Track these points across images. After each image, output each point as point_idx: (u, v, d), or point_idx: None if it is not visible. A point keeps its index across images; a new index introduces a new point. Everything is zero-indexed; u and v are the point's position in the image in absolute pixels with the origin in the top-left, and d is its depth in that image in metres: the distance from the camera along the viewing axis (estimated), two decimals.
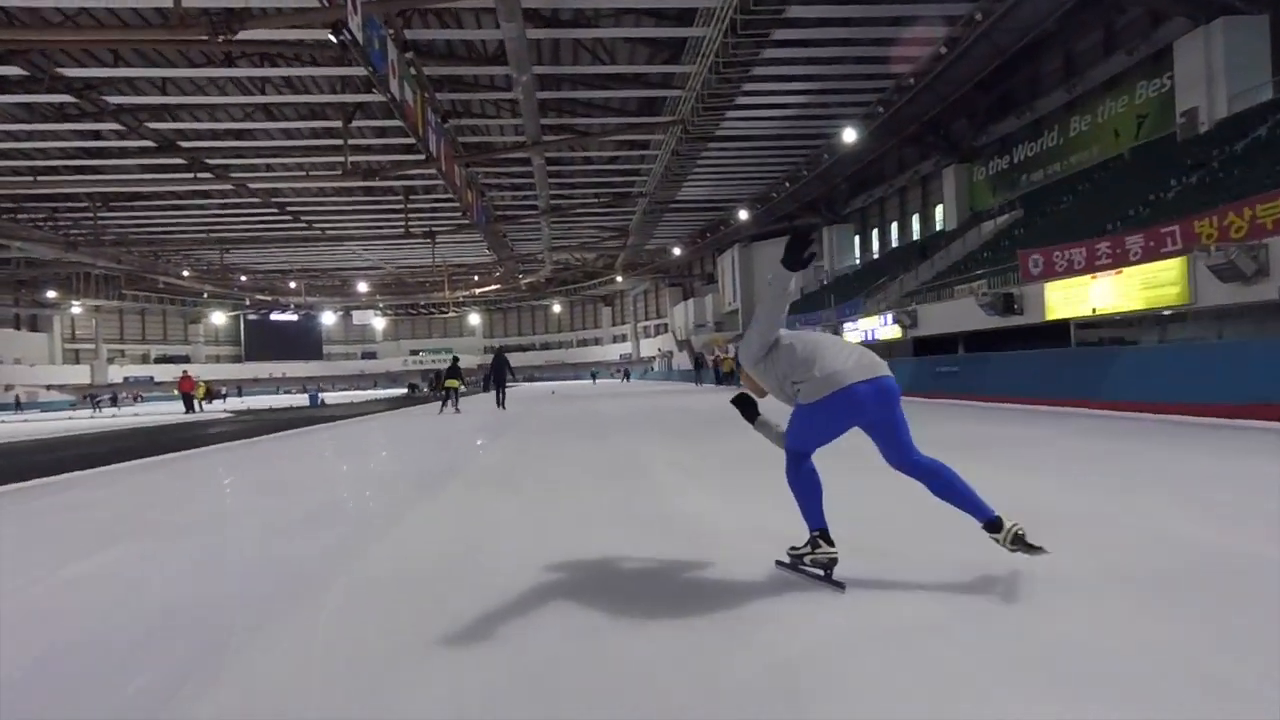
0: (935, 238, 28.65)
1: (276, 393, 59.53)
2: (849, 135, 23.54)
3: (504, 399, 16.79)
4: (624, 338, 70.14)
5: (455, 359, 18.15)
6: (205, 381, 28.85)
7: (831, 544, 2.39)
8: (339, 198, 37.52)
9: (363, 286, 62.14)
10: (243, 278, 53.02)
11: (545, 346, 76.46)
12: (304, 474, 6.24)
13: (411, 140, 26.39)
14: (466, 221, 37.28)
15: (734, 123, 26.17)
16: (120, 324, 60.65)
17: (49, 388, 48.52)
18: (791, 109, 24.53)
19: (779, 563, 2.63)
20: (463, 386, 17.61)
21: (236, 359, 68.82)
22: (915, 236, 33.71)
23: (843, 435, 2.45)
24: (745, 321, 43.51)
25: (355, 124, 26.12)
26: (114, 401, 33.69)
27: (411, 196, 36.41)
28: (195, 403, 22.28)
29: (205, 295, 57.39)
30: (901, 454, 2.38)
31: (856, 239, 38.64)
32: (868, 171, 34.37)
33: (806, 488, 2.47)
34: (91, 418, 22.51)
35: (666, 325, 60.51)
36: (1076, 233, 15.99)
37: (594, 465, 5.85)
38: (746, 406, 2.72)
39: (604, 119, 27.90)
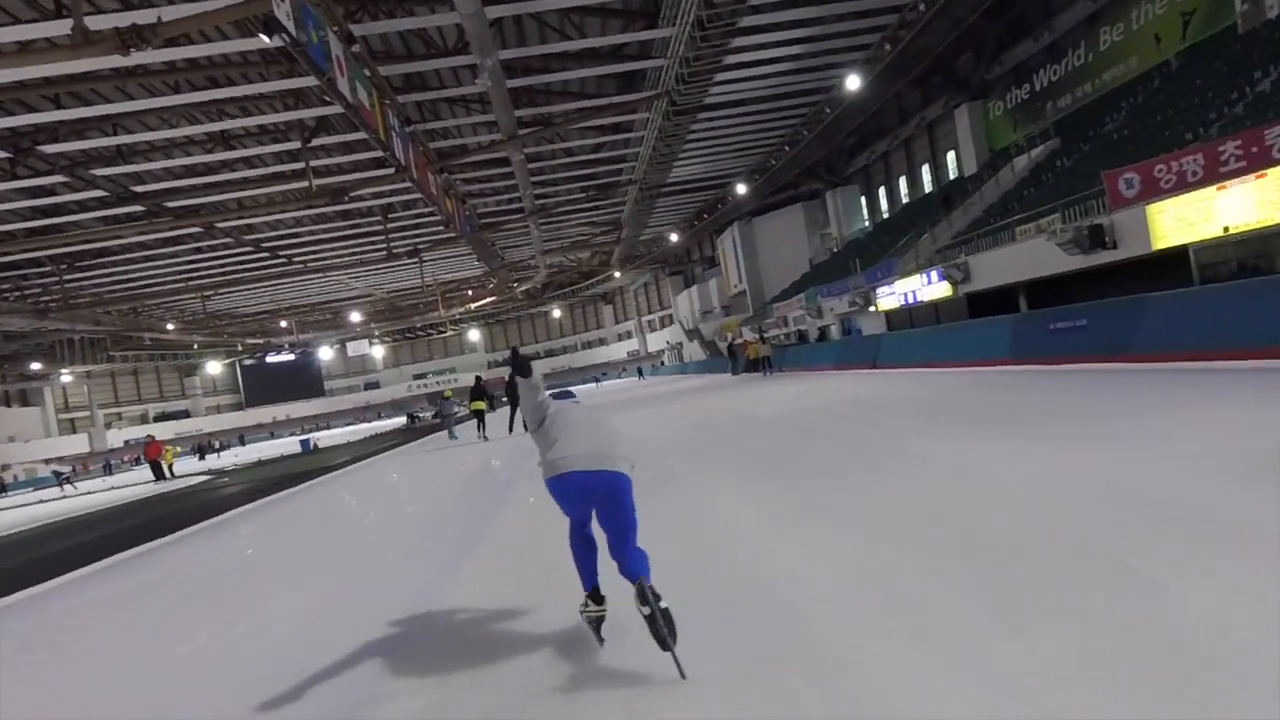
0: (956, 184, 26.46)
1: (271, 437, 57.79)
2: (852, 83, 21.39)
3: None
4: (629, 334, 68.13)
5: (479, 378, 16.29)
6: (181, 442, 27.01)
7: (600, 603, 2.57)
8: (315, 227, 35.61)
9: (355, 316, 60.23)
10: (230, 324, 51.17)
11: (550, 354, 74.51)
12: (175, 670, 3.32)
13: (379, 153, 24.44)
14: (451, 234, 35.34)
15: (723, 87, 24.09)
16: (114, 386, 58.99)
17: (47, 462, 46.85)
18: (785, 63, 22.42)
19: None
20: (489, 409, 15.68)
21: (238, 407, 67.14)
22: (929, 188, 31.54)
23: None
24: (754, 303, 41.44)
25: (317, 142, 24.16)
26: (108, 470, 31.77)
27: (390, 215, 34.44)
28: (165, 469, 20.55)
29: (195, 346, 55.64)
30: (619, 546, 2.44)
31: (863, 200, 36.44)
32: (868, 126, 32.16)
33: (576, 552, 2.61)
34: (63, 496, 20.68)
35: (672, 316, 58.45)
36: (1137, 152, 13.87)
37: (691, 589, 2.92)
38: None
39: (581, 103, 25.84)
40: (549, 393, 2.87)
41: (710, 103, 25.43)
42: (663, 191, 37.00)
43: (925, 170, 31.80)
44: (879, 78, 21.94)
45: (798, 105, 26.32)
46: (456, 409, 16.70)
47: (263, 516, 8.22)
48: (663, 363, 57.16)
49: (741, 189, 32.47)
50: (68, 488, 27.21)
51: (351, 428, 49.88)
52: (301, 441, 23.82)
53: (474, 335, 76.17)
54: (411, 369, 76.68)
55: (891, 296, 20.41)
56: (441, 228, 36.09)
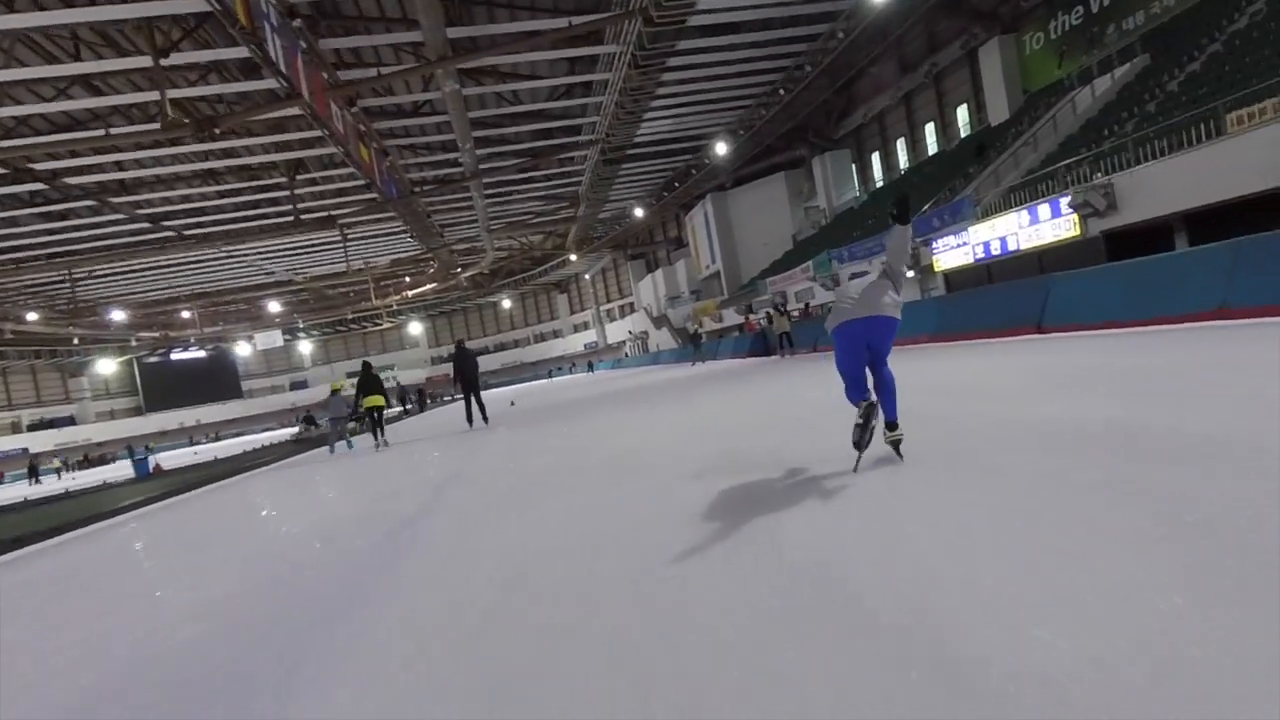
0: (981, 136, 22.29)
1: (132, 454, 49.87)
2: None
3: (483, 407, 11.18)
4: (586, 325, 62.78)
5: (366, 364, 11.78)
6: (64, 453, 20.35)
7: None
8: (205, 188, 29.21)
9: (274, 306, 53.19)
10: (115, 314, 43.57)
11: (500, 348, 68.54)
12: None
13: (273, 84, 18.80)
14: (374, 197, 29.55)
15: (712, 1, 19.25)
16: None
17: None
18: None
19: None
20: (386, 404, 11.36)
21: (137, 411, 58.85)
22: (933, 149, 27.48)
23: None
24: (729, 284, 36.88)
25: (179, 59, 18.23)
26: None
27: (300, 174, 28.40)
28: None
29: (76, 341, 47.76)
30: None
31: (853, 167, 32.22)
32: (861, 81, 27.88)
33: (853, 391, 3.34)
34: None
35: (633, 304, 53.48)
36: None
37: None
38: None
39: (533, 23, 20.62)
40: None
41: (696, 25, 20.55)
42: (628, 156, 32.00)
43: (930, 130, 27.71)
44: None
45: (797, 37, 21.68)
46: (347, 411, 11.47)
47: None
48: (626, 354, 52.04)
49: (722, 149, 27.70)
50: None
51: (263, 435, 42.69)
52: (137, 463, 17.19)
53: (415, 329, 69.52)
54: (345, 366, 69.38)
55: (960, 250, 15.71)
56: (364, 193, 30.26)
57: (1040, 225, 13.71)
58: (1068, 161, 14.15)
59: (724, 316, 32.92)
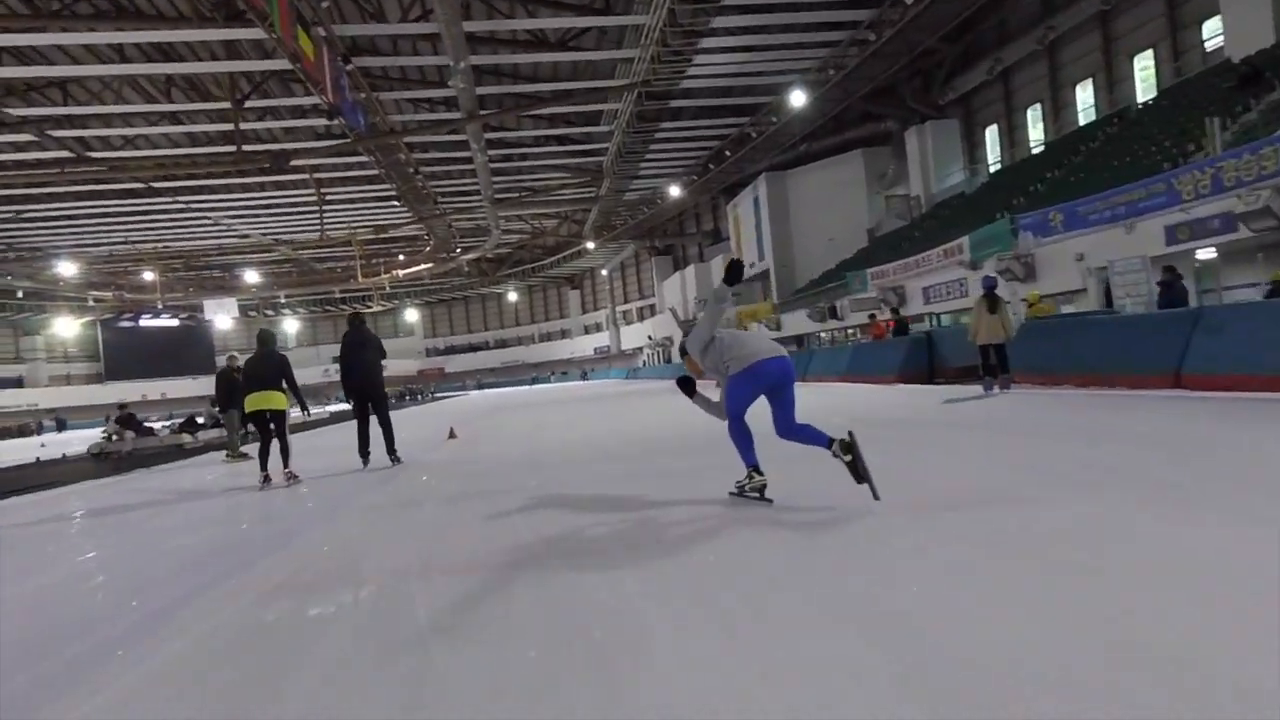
0: (1212, 72, 15.11)
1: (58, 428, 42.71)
2: None
3: (388, 431, 6.47)
4: (598, 326, 55.81)
5: (264, 335, 6.09)
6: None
7: (761, 474, 3.26)
8: (129, 107, 22.78)
9: (252, 276, 46.92)
10: (64, 266, 37.37)
11: (501, 344, 61.87)
12: None
13: None
14: (344, 140, 23.04)
15: None
16: None
17: None
18: None
19: (730, 493, 3.41)
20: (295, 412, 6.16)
21: (96, 378, 52.88)
22: (1085, 121, 20.32)
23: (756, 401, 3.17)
24: (780, 286, 29.87)
25: None
26: None
27: (249, 101, 21.87)
28: None
29: (20, 294, 41.91)
30: (786, 423, 3.20)
31: (962, 144, 25.09)
32: (980, 28, 20.93)
33: (741, 437, 3.28)
34: None
35: (654, 306, 46.53)
36: None
37: None
38: (687, 384, 3.63)
39: None
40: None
41: None
42: (669, 110, 25.20)
43: (1088, 88, 20.57)
44: None
45: None
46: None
47: None
48: (644, 364, 44.98)
49: (798, 98, 20.71)
50: None
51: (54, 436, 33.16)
52: None
53: (411, 315, 63.05)
54: (330, 349, 63.01)
55: None
56: (341, 138, 23.74)
57: None
58: None
59: (783, 323, 25.81)
